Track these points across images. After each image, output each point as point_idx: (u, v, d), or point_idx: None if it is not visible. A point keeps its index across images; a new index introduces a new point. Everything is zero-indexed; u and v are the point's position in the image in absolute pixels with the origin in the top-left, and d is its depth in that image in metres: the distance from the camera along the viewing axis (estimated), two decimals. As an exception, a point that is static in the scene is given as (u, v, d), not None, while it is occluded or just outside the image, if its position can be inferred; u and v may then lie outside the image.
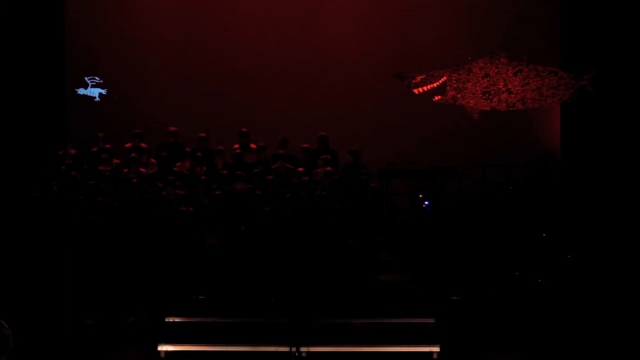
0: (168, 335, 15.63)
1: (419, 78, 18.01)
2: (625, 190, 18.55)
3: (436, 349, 14.91)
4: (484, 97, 17.89)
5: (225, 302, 16.91)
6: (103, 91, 19.15)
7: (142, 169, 18.69)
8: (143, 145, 19.28)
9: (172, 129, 19.51)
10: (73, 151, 19.12)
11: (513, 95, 17.87)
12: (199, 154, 19.17)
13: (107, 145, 19.20)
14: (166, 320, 16.10)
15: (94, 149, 19.24)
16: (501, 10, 21.14)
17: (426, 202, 18.77)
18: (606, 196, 18.50)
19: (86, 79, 19.18)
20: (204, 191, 18.11)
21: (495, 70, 17.84)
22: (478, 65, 17.87)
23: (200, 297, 17.06)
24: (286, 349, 14.63)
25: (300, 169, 18.58)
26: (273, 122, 20.49)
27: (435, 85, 17.99)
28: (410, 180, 19.40)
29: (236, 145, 19.32)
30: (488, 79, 17.84)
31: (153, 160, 19.14)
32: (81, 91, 19.18)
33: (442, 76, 17.97)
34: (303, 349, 14.70)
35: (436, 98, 18.09)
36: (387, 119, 21.01)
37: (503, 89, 17.85)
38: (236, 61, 21.47)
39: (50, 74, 20.85)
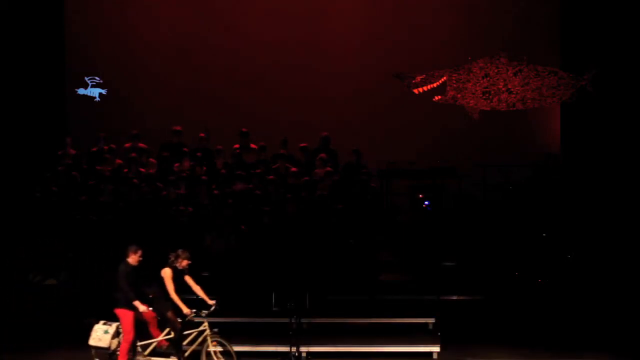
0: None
1: (419, 78, 18.01)
2: (625, 190, 18.55)
3: (436, 349, 14.91)
4: (484, 97, 17.89)
5: (225, 302, 16.90)
6: (103, 91, 19.17)
7: (142, 169, 18.70)
8: (141, 145, 19.30)
9: (177, 128, 19.52)
10: (72, 151, 19.14)
11: (513, 95, 17.88)
12: (199, 154, 19.19)
13: (112, 145, 19.21)
14: (166, 320, 16.10)
15: (94, 149, 19.25)
16: (501, 10, 21.13)
17: (426, 202, 18.77)
18: (606, 196, 18.50)
19: (86, 79, 19.20)
20: (204, 191, 18.12)
21: (495, 70, 17.85)
22: (478, 65, 17.88)
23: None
24: (286, 349, 14.64)
25: (294, 169, 18.62)
26: (273, 122, 20.49)
27: (435, 85, 17.99)
28: (410, 180, 19.40)
29: (236, 145, 19.34)
30: (488, 79, 17.84)
31: (152, 160, 19.15)
32: (81, 91, 19.20)
33: (442, 76, 17.97)
34: (303, 349, 14.71)
35: (436, 98, 18.09)
36: (387, 119, 21.00)
37: (503, 89, 17.86)
38: (236, 61, 21.46)
39: (50, 74, 20.86)
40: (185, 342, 14.06)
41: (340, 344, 15.14)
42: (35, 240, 17.23)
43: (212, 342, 14.03)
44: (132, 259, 14.15)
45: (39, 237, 17.27)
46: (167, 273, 14.18)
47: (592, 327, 16.21)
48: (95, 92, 19.11)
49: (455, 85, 17.87)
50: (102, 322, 14.19)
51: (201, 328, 14.14)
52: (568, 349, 15.30)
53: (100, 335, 14.10)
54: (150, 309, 14.10)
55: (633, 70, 18.91)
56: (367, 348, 15.04)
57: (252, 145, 19.34)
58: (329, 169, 18.74)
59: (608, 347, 15.41)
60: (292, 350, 14.56)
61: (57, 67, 21.02)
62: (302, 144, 19.47)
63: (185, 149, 19.15)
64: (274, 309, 14.77)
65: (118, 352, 13.98)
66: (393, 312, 16.24)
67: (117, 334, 14.08)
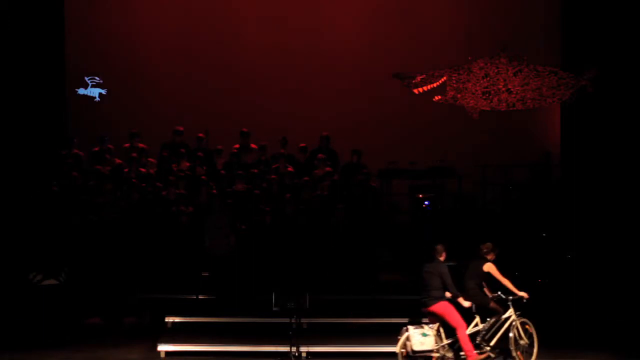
0: (168, 335, 15.64)
1: (419, 78, 17.99)
2: (625, 190, 18.56)
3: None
4: (484, 97, 17.87)
5: (225, 302, 16.93)
6: (103, 91, 19.17)
7: (142, 169, 18.72)
8: (141, 145, 19.31)
9: (179, 128, 19.54)
10: (75, 151, 19.16)
11: (513, 95, 17.85)
12: (199, 153, 19.20)
13: (110, 146, 19.23)
14: (166, 320, 16.12)
15: (96, 149, 19.27)
16: (501, 10, 21.14)
17: (426, 202, 18.77)
18: (606, 196, 18.50)
19: (86, 79, 19.19)
20: (205, 191, 18.14)
21: (495, 70, 17.82)
22: (478, 65, 17.85)
23: (201, 297, 17.07)
24: (286, 349, 14.64)
25: (290, 168, 18.65)
26: (273, 122, 20.50)
27: (435, 85, 17.97)
28: (410, 180, 19.41)
29: (236, 146, 19.36)
30: (488, 79, 17.82)
31: (151, 159, 19.16)
32: (81, 91, 19.19)
33: (442, 76, 17.94)
34: (303, 349, 14.71)
35: (436, 98, 18.07)
36: (387, 119, 21.01)
37: (503, 89, 17.83)
38: (237, 61, 21.47)
39: (50, 74, 20.82)
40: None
41: (340, 344, 15.14)
42: (35, 240, 17.23)
43: (520, 324, 14.23)
44: (443, 257, 14.26)
45: (39, 237, 17.27)
46: (492, 267, 14.32)
47: (592, 327, 16.21)
48: (95, 92, 19.10)
49: (455, 85, 17.85)
50: (411, 327, 13.99)
51: (507, 314, 14.22)
52: (568, 348, 15.29)
53: (422, 339, 13.90)
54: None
55: (633, 70, 18.90)
56: (367, 348, 15.02)
57: (253, 145, 19.37)
58: (328, 169, 18.76)
59: (608, 346, 15.41)
60: (292, 350, 14.56)
61: (57, 67, 20.99)
62: (301, 144, 19.50)
63: (182, 150, 19.18)
64: (274, 309, 14.76)
65: (451, 353, 13.98)
66: (393, 312, 16.23)
67: (436, 333, 14.00)
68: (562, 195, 18.87)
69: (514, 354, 14.11)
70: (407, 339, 13.87)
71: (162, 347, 15.11)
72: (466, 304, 14.12)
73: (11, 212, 17.85)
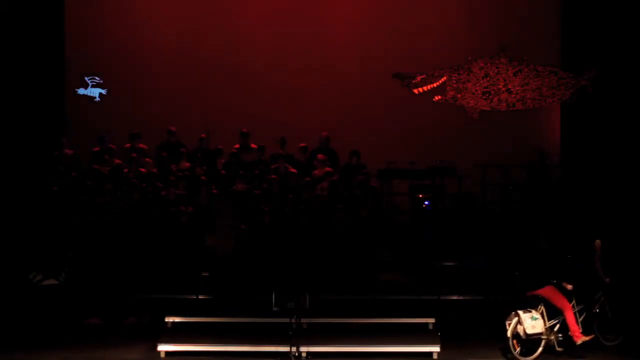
0: (168, 335, 15.64)
1: (419, 78, 18.00)
2: (625, 190, 18.55)
3: (436, 349, 14.90)
4: (484, 97, 17.88)
5: (225, 302, 16.93)
6: (103, 91, 19.18)
7: (142, 169, 18.73)
8: (142, 145, 19.32)
9: (171, 128, 19.58)
10: (69, 151, 19.15)
11: (513, 95, 17.87)
12: (199, 154, 19.22)
13: (111, 146, 19.25)
14: (166, 320, 16.12)
15: (96, 149, 19.28)
16: (501, 10, 21.15)
17: (426, 202, 18.78)
18: (606, 196, 18.49)
19: (86, 79, 19.20)
20: (205, 191, 18.15)
21: (495, 70, 17.83)
22: (478, 65, 17.86)
23: (201, 297, 17.08)
24: (286, 349, 14.63)
25: (293, 170, 18.67)
26: (273, 122, 20.51)
27: (435, 85, 17.98)
28: (410, 180, 19.42)
29: (236, 146, 19.37)
30: (488, 79, 17.83)
31: (148, 159, 19.17)
32: (81, 91, 19.20)
33: (442, 76, 17.96)
34: (303, 349, 14.70)
35: (436, 98, 18.08)
36: (387, 119, 21.01)
37: (503, 89, 17.84)
38: (237, 61, 21.47)
39: (50, 74, 20.84)
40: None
41: (340, 344, 15.13)
42: (35, 240, 17.24)
43: (607, 303, 15.12)
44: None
45: (39, 237, 17.28)
46: (599, 245, 15.20)
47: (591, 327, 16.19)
48: (95, 92, 19.11)
49: (455, 85, 17.86)
50: (520, 312, 14.33)
51: (597, 296, 15.09)
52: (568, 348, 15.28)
53: (532, 322, 14.29)
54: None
55: (633, 70, 18.90)
56: (367, 348, 15.03)
57: (252, 145, 19.38)
58: (328, 169, 18.77)
59: (608, 346, 15.40)
60: (292, 350, 14.55)
61: (57, 67, 21.01)
62: (301, 144, 19.51)
63: (182, 149, 19.20)
64: (274, 309, 14.76)
65: (553, 335, 14.45)
66: (393, 312, 16.24)
67: (543, 316, 14.41)
68: (561, 195, 18.86)
69: (595, 332, 14.85)
70: (519, 322, 14.22)
71: (162, 347, 15.10)
72: (569, 286, 14.59)
73: (11, 212, 17.86)
